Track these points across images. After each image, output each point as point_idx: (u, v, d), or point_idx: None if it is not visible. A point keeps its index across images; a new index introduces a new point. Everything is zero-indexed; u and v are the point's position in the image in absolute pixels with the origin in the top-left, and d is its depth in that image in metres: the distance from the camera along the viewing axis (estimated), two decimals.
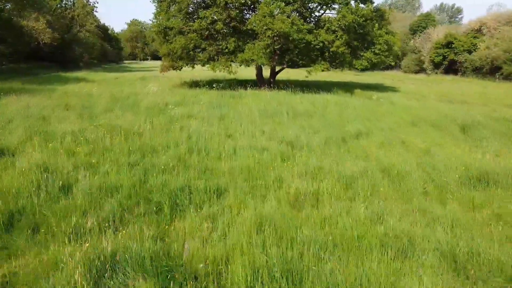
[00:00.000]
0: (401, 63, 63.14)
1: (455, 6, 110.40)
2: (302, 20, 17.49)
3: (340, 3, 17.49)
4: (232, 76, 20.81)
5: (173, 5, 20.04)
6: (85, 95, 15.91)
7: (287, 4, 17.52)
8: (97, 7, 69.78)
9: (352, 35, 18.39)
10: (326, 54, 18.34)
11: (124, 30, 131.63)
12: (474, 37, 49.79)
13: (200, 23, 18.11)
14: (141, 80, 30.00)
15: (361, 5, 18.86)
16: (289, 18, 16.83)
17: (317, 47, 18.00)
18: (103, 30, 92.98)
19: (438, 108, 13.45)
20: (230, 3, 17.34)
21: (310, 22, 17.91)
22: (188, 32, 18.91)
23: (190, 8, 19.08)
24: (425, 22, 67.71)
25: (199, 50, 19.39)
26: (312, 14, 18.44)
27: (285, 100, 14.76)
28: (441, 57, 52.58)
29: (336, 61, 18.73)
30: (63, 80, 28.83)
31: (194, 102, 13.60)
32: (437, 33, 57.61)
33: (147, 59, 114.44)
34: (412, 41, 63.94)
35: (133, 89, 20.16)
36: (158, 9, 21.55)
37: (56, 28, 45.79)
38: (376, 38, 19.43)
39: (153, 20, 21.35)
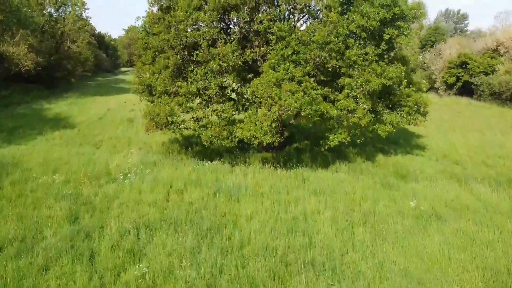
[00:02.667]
0: None
1: (461, 12, 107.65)
2: (315, 84, 14.11)
3: (363, 65, 14.06)
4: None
5: (159, 54, 16.64)
6: (42, 187, 12.46)
7: (297, 65, 14.11)
8: (90, 20, 66.02)
9: (376, 98, 15.04)
10: (345, 123, 14.91)
11: (122, 37, 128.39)
12: (491, 58, 46.36)
13: (189, 86, 14.71)
14: (128, 123, 26.62)
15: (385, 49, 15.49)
16: (300, 85, 13.44)
17: (335, 113, 14.61)
18: (99, 38, 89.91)
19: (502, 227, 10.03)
20: (226, 66, 13.91)
21: (325, 85, 14.51)
22: (176, 94, 15.54)
23: (179, 60, 15.58)
24: (434, 36, 64.52)
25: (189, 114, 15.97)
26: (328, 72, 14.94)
27: (297, 206, 11.35)
28: (454, 78, 49.15)
29: (357, 130, 15.28)
30: (39, 124, 25.34)
31: (177, 220, 10.15)
32: (449, 50, 54.23)
33: None
34: (421, 57, 60.72)
35: (112, 159, 16.74)
36: (142, 58, 18.22)
37: (41, 51, 42.27)
38: (404, 99, 16.05)
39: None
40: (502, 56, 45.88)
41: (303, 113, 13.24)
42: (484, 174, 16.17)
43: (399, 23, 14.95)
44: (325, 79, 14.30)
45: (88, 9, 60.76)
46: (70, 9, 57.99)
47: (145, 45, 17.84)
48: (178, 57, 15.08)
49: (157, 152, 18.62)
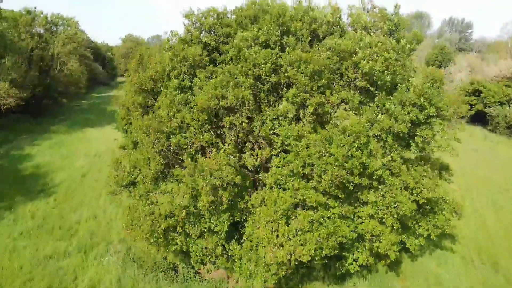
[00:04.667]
0: None
1: (465, 21, 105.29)
2: (333, 201, 11.28)
3: (390, 178, 11.22)
4: None
5: (142, 143, 13.78)
6: None
7: (308, 179, 11.24)
8: (80, 43, 62.66)
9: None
10: (367, 244, 12.04)
11: (119, 46, 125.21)
12: (506, 86, 43.45)
13: (174, 200, 11.88)
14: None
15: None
16: (315, 211, 10.60)
17: (355, 235, 11.79)
18: (95, 50, 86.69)
19: None
20: (219, 183, 11.01)
21: (343, 200, 11.67)
22: (157, 202, 12.73)
23: (161, 165, 12.65)
24: (441, 56, 61.59)
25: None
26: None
27: None
28: (467, 106, 46.20)
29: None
30: (11, 188, 22.34)
31: None
32: (460, 74, 51.46)
33: None
34: None
35: (84, 268, 13.93)
36: (122, 142, 15.45)
37: (25, 84, 39.28)
38: (439, 205, 13.20)
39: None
40: None
41: (317, 258, 10.37)
42: None
43: (433, 120, 12.13)
44: (342, 195, 11.41)
45: (83, 31, 57.54)
46: (62, 27, 55.17)
47: (125, 127, 15.08)
48: (161, 161, 12.22)
49: (140, 250, 15.84)
